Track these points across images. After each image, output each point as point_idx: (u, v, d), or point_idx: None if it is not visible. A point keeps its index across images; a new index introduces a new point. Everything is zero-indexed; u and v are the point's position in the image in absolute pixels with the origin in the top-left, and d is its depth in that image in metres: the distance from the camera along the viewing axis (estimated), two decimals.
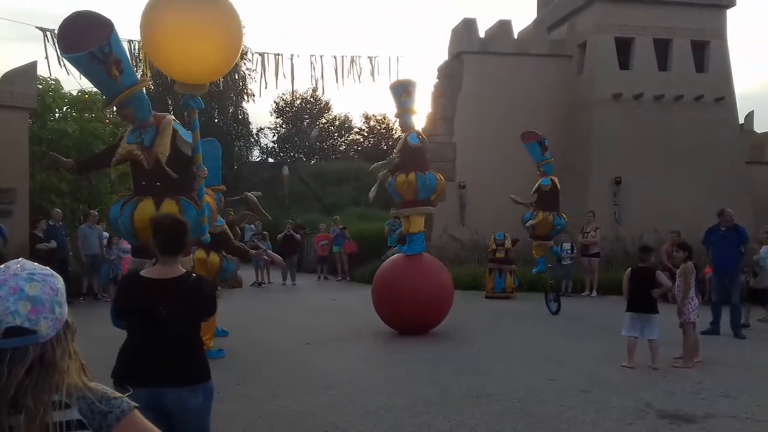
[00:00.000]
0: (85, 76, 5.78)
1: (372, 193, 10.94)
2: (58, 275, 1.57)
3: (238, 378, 7.37)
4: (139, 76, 6.17)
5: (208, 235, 6.44)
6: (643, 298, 7.97)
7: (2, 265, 1.51)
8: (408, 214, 10.53)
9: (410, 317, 9.92)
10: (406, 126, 10.72)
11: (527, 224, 12.46)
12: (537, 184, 12.74)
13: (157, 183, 5.90)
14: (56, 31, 5.36)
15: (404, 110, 10.59)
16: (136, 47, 16.52)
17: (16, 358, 1.42)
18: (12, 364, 1.41)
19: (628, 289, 8.13)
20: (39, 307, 1.45)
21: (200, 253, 8.15)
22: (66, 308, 1.55)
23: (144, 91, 6.09)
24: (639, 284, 8.02)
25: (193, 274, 3.53)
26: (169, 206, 5.76)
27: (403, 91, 10.51)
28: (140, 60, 16.57)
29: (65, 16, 5.43)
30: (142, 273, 3.53)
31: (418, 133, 10.68)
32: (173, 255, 3.45)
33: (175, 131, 6.03)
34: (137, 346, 3.39)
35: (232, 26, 5.41)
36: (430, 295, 9.92)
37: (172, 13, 5.16)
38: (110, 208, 6.16)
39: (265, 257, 11.72)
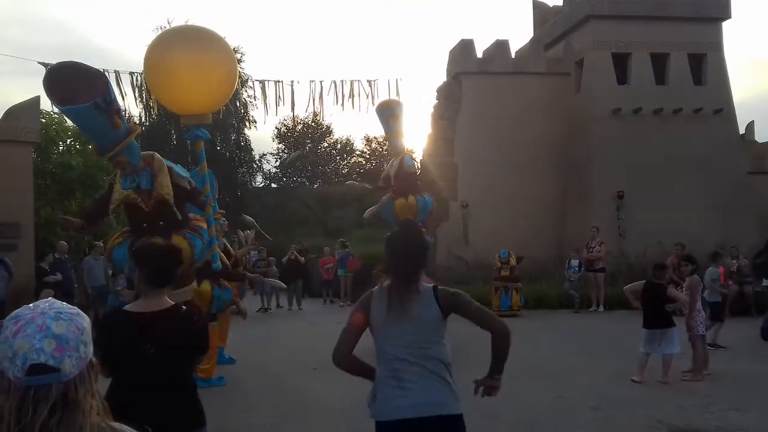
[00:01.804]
0: (82, 126, 5.74)
1: (367, 214, 10.93)
2: (85, 315, 1.58)
3: (245, 405, 7.35)
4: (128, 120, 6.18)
5: (219, 262, 6.47)
6: (657, 314, 7.93)
7: (32, 304, 1.53)
8: None
9: None
10: (396, 149, 10.71)
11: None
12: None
13: (160, 222, 5.93)
14: (45, 84, 5.22)
15: (393, 134, 10.59)
16: (138, 79, 16.68)
17: (40, 396, 1.42)
18: (36, 403, 1.41)
19: (642, 305, 8.12)
20: (64, 345, 1.46)
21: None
22: (91, 348, 1.55)
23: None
24: (652, 300, 7.99)
25: (183, 306, 3.25)
26: (179, 242, 5.78)
27: (390, 114, 10.50)
28: (144, 90, 16.70)
29: (50, 68, 5.39)
30: (126, 307, 3.24)
31: (412, 156, 10.72)
32: (162, 287, 3.17)
33: (170, 168, 6.10)
34: (123, 391, 2.97)
35: (227, 60, 5.69)
36: None
37: (169, 54, 5.40)
38: (113, 250, 6.10)
39: (264, 281, 11.72)
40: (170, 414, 2.99)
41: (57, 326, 1.47)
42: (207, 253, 6.26)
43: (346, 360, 3.50)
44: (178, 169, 6.17)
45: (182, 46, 5.47)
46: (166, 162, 6.14)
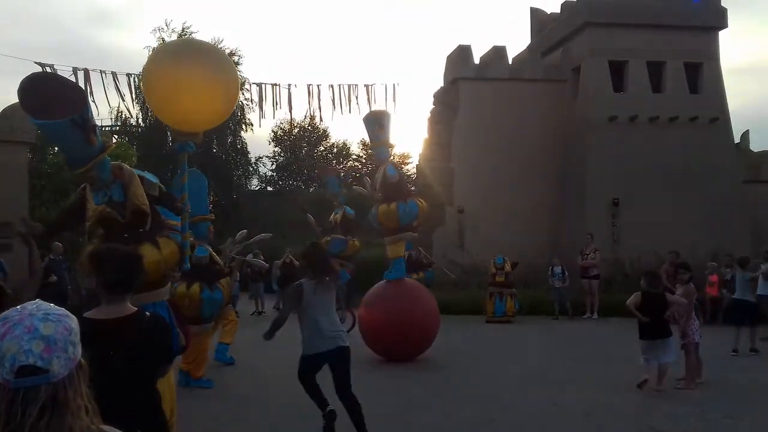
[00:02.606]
0: (56, 141, 5.61)
1: (372, 217, 11.01)
2: (73, 316, 1.57)
3: (239, 408, 7.34)
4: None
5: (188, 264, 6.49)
6: (656, 325, 7.90)
7: (19, 306, 1.52)
8: (389, 242, 10.69)
9: (394, 343, 9.94)
10: (380, 159, 10.77)
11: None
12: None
13: (141, 230, 5.90)
14: (20, 95, 4.96)
15: (379, 143, 10.62)
16: (136, 80, 16.67)
17: (29, 397, 1.42)
18: (25, 404, 1.41)
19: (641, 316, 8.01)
20: (52, 346, 1.46)
21: (181, 288, 8.12)
22: (80, 349, 1.55)
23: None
24: (651, 311, 7.92)
25: (147, 313, 3.07)
26: (165, 243, 5.80)
27: (376, 123, 10.56)
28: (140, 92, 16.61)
29: (24, 79, 5.05)
30: (86, 315, 3.00)
31: (394, 165, 10.85)
32: (123, 294, 3.00)
33: (141, 177, 6.08)
34: None
35: (230, 80, 5.57)
36: (414, 321, 9.94)
37: (172, 68, 5.28)
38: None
39: (248, 261, 11.81)
40: (132, 423, 2.74)
41: (45, 327, 1.46)
42: (182, 256, 6.28)
43: (283, 317, 6.40)
44: (148, 176, 6.15)
45: (188, 64, 5.32)
46: (137, 171, 6.12)
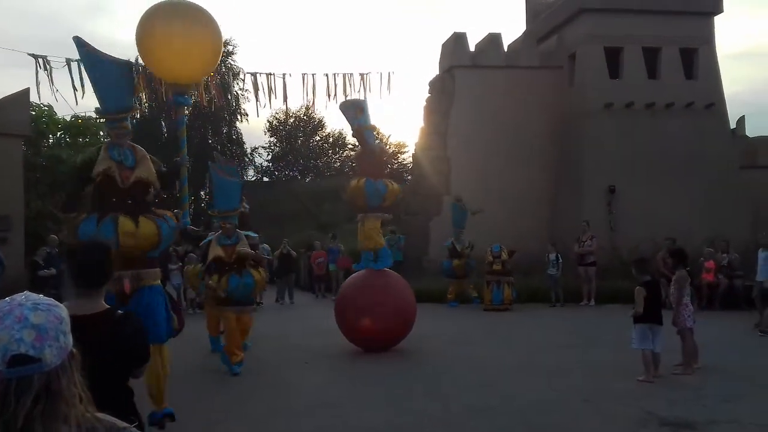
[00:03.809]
0: (106, 79, 6.05)
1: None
2: (63, 306, 1.57)
3: (238, 398, 7.35)
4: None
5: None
6: (653, 310, 7.88)
7: (8, 297, 1.52)
8: (360, 219, 10.51)
9: (370, 333, 9.89)
10: (367, 144, 10.54)
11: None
12: None
13: (129, 201, 6.03)
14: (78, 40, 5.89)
15: (363, 127, 10.44)
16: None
17: (23, 387, 1.42)
18: (18, 394, 1.41)
19: (642, 302, 7.87)
20: (43, 335, 1.46)
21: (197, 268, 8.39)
22: (71, 338, 1.55)
23: None
24: (649, 296, 7.87)
25: (119, 311, 2.94)
26: (145, 223, 5.94)
27: (355, 108, 10.41)
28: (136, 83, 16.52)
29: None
30: None
31: (376, 135, 10.74)
32: (93, 287, 2.88)
33: (151, 157, 6.38)
34: None
35: (214, 32, 6.32)
36: (389, 310, 9.88)
37: (160, 24, 6.02)
38: (79, 226, 5.89)
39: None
40: None
41: (35, 316, 1.46)
42: (173, 238, 6.57)
43: None
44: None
45: (176, 18, 6.04)
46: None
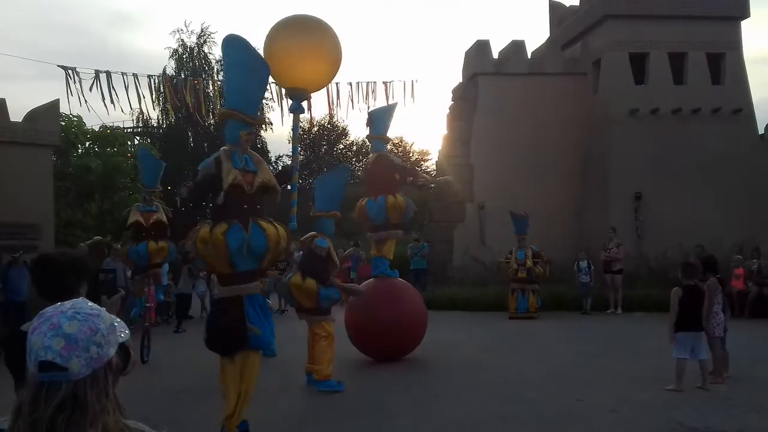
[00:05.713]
0: (252, 78, 6.15)
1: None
2: (107, 315, 1.57)
3: (257, 410, 7.38)
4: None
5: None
6: (694, 317, 7.75)
7: (59, 303, 1.55)
8: (373, 238, 10.45)
9: (380, 343, 9.82)
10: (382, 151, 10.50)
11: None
12: None
13: (258, 206, 6.10)
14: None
15: (370, 138, 10.50)
16: (156, 81, 16.82)
17: (51, 392, 1.44)
18: (47, 398, 1.44)
19: (679, 308, 7.76)
20: (72, 345, 1.47)
21: (296, 278, 8.39)
22: (108, 349, 1.54)
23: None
24: (688, 302, 7.74)
25: None
26: (279, 227, 6.03)
27: (389, 115, 10.46)
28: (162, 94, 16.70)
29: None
30: (23, 327, 2.69)
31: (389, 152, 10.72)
32: (52, 300, 2.51)
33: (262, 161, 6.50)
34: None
35: (336, 47, 7.37)
36: (399, 320, 9.73)
37: (289, 37, 6.97)
38: (226, 235, 5.77)
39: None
40: None
41: (69, 326, 1.48)
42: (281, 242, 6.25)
43: None
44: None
45: (312, 33, 7.19)
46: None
